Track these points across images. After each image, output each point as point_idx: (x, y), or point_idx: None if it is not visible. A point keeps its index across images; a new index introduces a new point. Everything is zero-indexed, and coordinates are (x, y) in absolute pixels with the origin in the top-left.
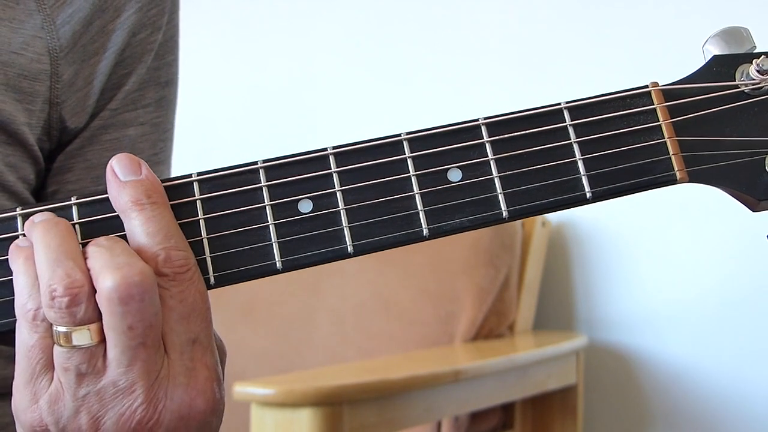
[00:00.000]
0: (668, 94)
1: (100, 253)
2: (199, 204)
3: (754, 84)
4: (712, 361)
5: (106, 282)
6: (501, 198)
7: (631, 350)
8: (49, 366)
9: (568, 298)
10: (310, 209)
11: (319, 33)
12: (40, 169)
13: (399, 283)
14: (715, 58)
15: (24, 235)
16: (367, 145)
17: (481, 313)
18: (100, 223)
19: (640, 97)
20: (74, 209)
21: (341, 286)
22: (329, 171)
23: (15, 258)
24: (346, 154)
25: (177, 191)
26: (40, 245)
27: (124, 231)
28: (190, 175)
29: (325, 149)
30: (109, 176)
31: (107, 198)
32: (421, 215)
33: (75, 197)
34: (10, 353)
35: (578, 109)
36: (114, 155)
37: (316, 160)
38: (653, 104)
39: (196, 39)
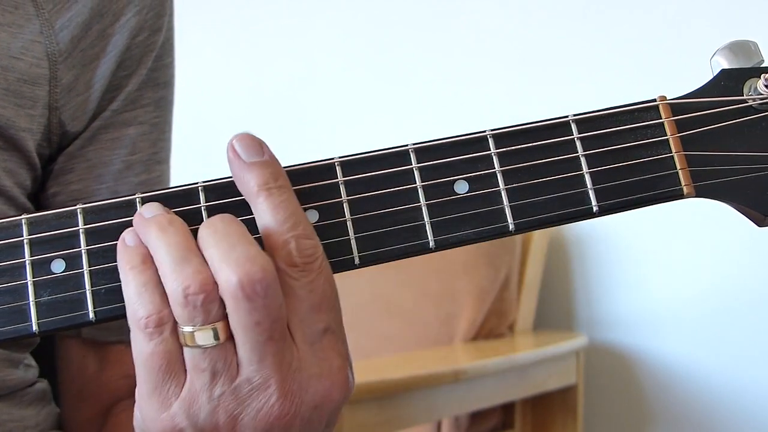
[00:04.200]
0: (676, 108)
1: (216, 241)
2: (204, 212)
3: (762, 99)
4: (712, 361)
5: (230, 278)
6: (507, 211)
7: (631, 350)
8: (175, 370)
9: (568, 298)
10: (316, 219)
11: (319, 33)
12: (36, 175)
13: (399, 284)
14: (723, 72)
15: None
16: (373, 155)
17: (481, 313)
18: (107, 231)
19: (647, 110)
20: (79, 215)
21: (341, 287)
22: (335, 181)
23: (129, 259)
24: (352, 164)
25: (182, 200)
26: (161, 243)
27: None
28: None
29: (331, 159)
30: (230, 156)
31: (112, 205)
32: (428, 227)
33: (81, 203)
34: (8, 356)
35: (586, 122)
36: (114, 154)
37: (321, 170)
38: (661, 118)
39: (195, 40)
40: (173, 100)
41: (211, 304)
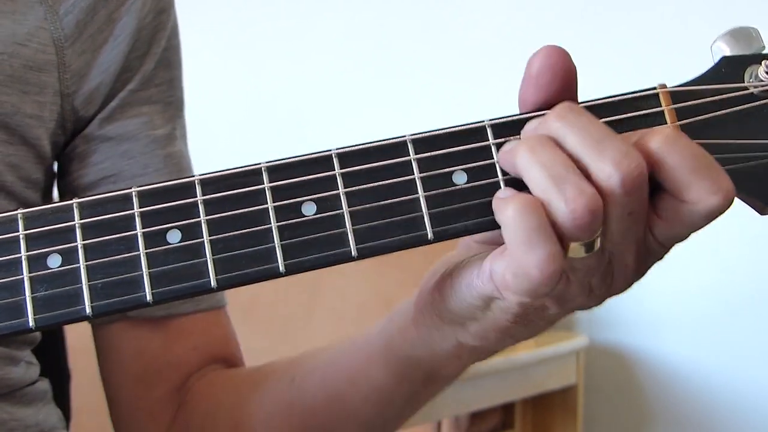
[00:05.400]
0: (676, 96)
1: (582, 138)
2: (201, 205)
3: (763, 86)
4: (712, 361)
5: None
6: None
7: (631, 350)
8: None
9: None
10: (314, 212)
11: (317, 35)
12: (47, 166)
13: (399, 283)
14: (724, 59)
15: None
16: (371, 147)
17: None
18: (103, 226)
19: (647, 99)
20: (75, 210)
21: (341, 286)
22: (333, 173)
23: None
24: (350, 156)
25: (178, 193)
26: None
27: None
28: (192, 175)
29: (329, 150)
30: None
31: (108, 199)
32: (426, 218)
33: (76, 198)
34: (8, 354)
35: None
36: (138, 129)
37: (319, 162)
38: (661, 106)
39: (193, 41)
40: (183, 82)
41: (596, 223)
